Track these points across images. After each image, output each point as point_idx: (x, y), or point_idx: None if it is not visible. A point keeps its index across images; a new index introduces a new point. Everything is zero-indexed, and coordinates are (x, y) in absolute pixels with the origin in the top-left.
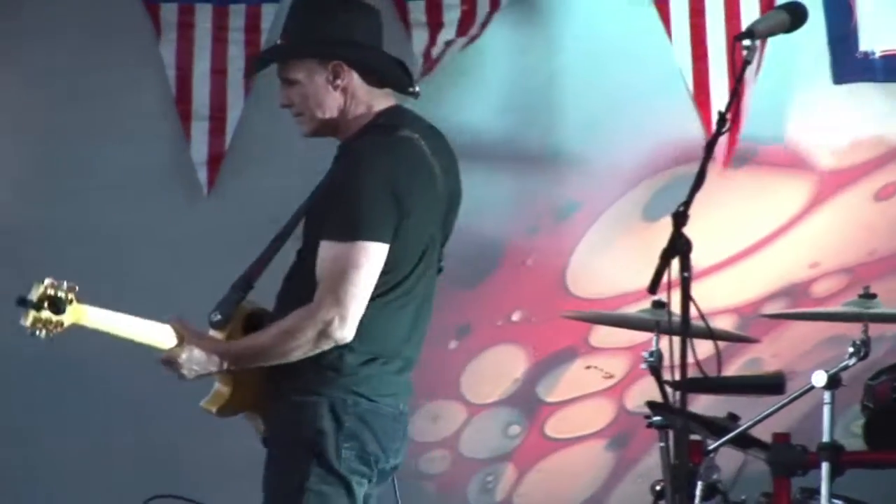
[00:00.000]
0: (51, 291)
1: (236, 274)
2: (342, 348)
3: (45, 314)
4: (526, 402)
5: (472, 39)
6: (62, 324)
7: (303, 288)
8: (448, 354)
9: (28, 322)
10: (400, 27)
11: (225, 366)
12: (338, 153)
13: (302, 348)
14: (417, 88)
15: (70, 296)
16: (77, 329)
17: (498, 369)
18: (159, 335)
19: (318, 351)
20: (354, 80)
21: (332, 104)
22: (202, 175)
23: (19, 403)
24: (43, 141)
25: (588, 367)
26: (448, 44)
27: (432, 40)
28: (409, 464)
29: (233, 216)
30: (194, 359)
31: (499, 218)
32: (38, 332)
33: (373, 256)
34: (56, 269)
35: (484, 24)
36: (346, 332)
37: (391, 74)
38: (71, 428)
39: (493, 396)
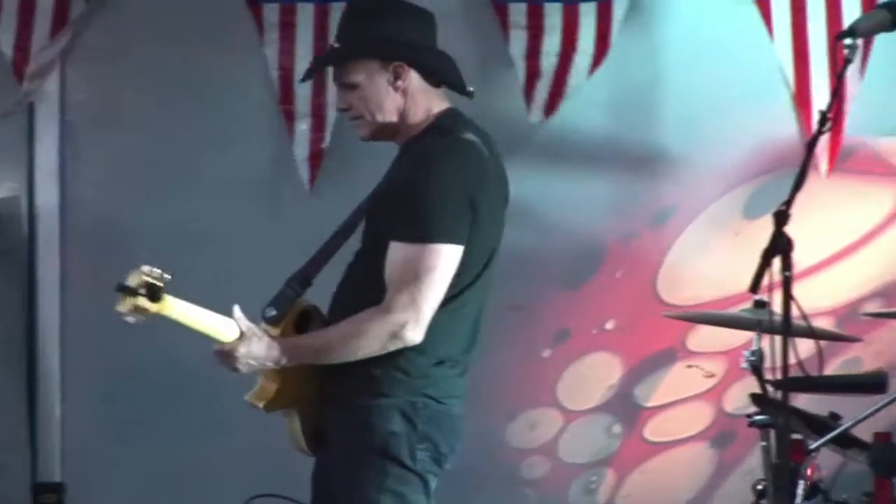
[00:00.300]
0: (148, 279)
1: (337, 271)
2: (412, 350)
3: (142, 301)
4: (623, 408)
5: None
6: (151, 311)
7: (366, 289)
8: (543, 363)
9: (125, 308)
10: (497, 29)
11: (283, 362)
12: (401, 152)
13: (369, 348)
14: (472, 88)
15: (163, 284)
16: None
17: (593, 376)
18: (225, 328)
19: (384, 352)
20: (414, 80)
21: (391, 106)
22: (304, 173)
23: (126, 402)
24: (149, 139)
25: (689, 366)
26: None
27: (532, 45)
28: (509, 470)
29: (333, 214)
30: (253, 353)
31: (599, 219)
32: (132, 319)
33: (448, 259)
34: (165, 266)
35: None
36: (417, 334)
37: (450, 74)
38: (174, 427)
39: (589, 403)
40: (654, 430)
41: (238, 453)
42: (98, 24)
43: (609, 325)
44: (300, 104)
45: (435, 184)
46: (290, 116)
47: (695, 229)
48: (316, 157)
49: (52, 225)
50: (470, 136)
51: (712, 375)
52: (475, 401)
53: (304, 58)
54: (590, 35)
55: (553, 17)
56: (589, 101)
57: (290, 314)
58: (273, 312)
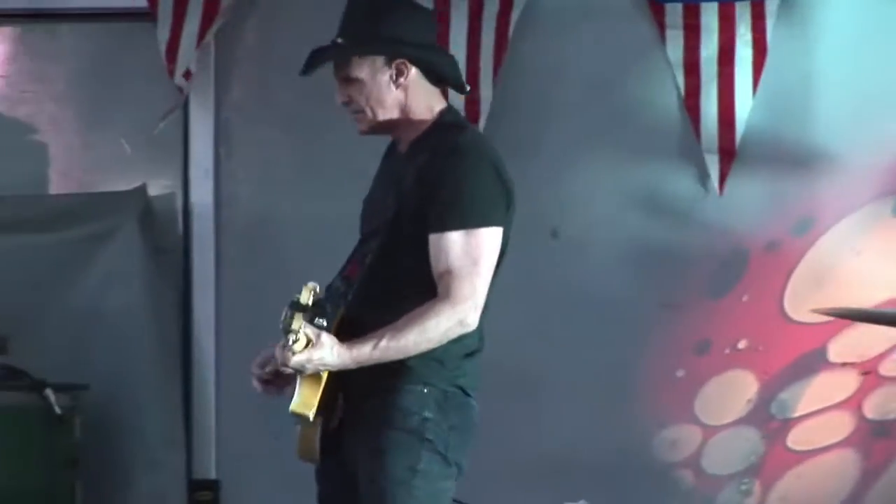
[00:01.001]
0: (314, 296)
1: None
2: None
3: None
4: (763, 420)
5: None
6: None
7: (404, 285)
8: (678, 382)
9: (297, 325)
10: (652, 29)
11: (350, 365)
12: (411, 151)
13: (438, 340)
14: (468, 87)
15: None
16: None
17: (730, 392)
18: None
19: (447, 341)
20: (415, 78)
21: (392, 102)
22: None
23: (280, 399)
24: (302, 136)
25: (844, 364)
26: None
27: (690, 43)
28: (653, 484)
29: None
30: (325, 359)
31: (748, 219)
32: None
33: (495, 242)
34: (319, 267)
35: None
36: (476, 319)
37: (451, 74)
38: None
39: (728, 418)
40: (797, 439)
41: None
42: (251, 22)
43: (742, 344)
44: (454, 98)
45: (471, 172)
46: None
47: (841, 233)
48: None
49: (206, 223)
50: (476, 129)
51: (867, 373)
52: (623, 408)
53: (458, 52)
54: (747, 34)
55: (709, 17)
56: (739, 100)
57: (334, 321)
58: (324, 322)
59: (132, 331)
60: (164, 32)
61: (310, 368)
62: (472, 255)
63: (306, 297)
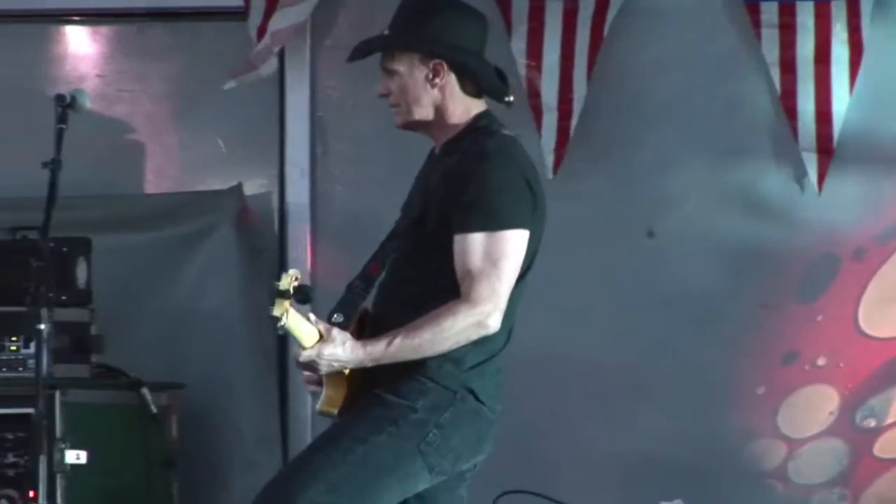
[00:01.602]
0: (298, 282)
1: (583, 262)
2: (471, 342)
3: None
4: (846, 431)
5: None
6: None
7: (429, 285)
8: (758, 399)
9: (280, 312)
10: (747, 28)
11: (366, 363)
12: (443, 152)
13: (455, 341)
14: (511, 98)
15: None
16: None
17: (811, 405)
18: (309, 333)
19: (467, 343)
20: (452, 82)
21: (427, 101)
22: (549, 160)
23: None
24: (399, 136)
25: None
26: None
27: (785, 42)
28: (746, 488)
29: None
30: (337, 355)
31: (845, 220)
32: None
33: (520, 244)
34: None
35: None
36: (497, 321)
37: (489, 82)
38: None
39: (811, 430)
40: (883, 447)
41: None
42: (346, 19)
43: (823, 359)
44: (547, 96)
45: (495, 174)
46: (537, 109)
47: None
48: (561, 147)
49: (302, 222)
50: (510, 133)
51: None
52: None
53: (552, 51)
54: (843, 33)
55: (805, 16)
56: (836, 95)
57: (353, 318)
58: (341, 318)
59: (228, 330)
60: (257, 16)
61: (322, 364)
62: (494, 256)
63: (286, 284)
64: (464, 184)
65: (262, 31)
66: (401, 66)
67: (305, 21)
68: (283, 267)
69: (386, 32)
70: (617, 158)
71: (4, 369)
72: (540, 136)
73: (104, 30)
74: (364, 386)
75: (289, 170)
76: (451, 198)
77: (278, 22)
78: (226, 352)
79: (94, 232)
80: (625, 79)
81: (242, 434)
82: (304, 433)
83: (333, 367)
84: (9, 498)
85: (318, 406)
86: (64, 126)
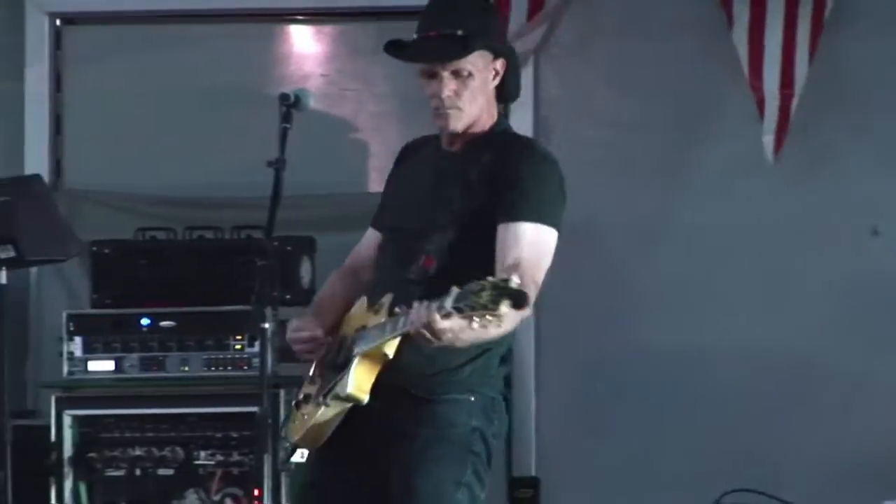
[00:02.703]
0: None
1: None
2: (491, 346)
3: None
4: None
5: None
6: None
7: (475, 272)
8: None
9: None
10: None
11: (458, 343)
12: (469, 149)
13: (507, 327)
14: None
15: None
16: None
17: None
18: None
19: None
20: (497, 83)
21: (483, 101)
22: (769, 145)
23: (598, 397)
24: (620, 133)
25: None
26: None
27: None
28: None
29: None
30: (454, 329)
31: None
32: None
33: (554, 243)
34: (639, 264)
35: None
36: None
37: (517, 84)
38: (645, 421)
39: None
40: None
41: (708, 447)
42: (568, 19)
43: None
44: (769, 85)
45: (549, 173)
46: (759, 100)
47: None
48: (781, 130)
49: None
50: None
51: None
52: None
53: (773, 45)
54: None
55: None
56: None
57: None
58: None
59: None
60: None
61: (445, 340)
62: (540, 250)
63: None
64: (516, 176)
65: None
66: (474, 67)
67: (531, 50)
68: None
69: (459, 32)
70: (837, 156)
71: (229, 368)
72: (762, 119)
73: (328, 29)
74: (391, 379)
75: None
76: (499, 190)
77: None
78: None
79: (319, 231)
80: (846, 76)
81: None
82: (528, 431)
83: (446, 341)
84: (234, 496)
85: (348, 390)
86: (288, 125)
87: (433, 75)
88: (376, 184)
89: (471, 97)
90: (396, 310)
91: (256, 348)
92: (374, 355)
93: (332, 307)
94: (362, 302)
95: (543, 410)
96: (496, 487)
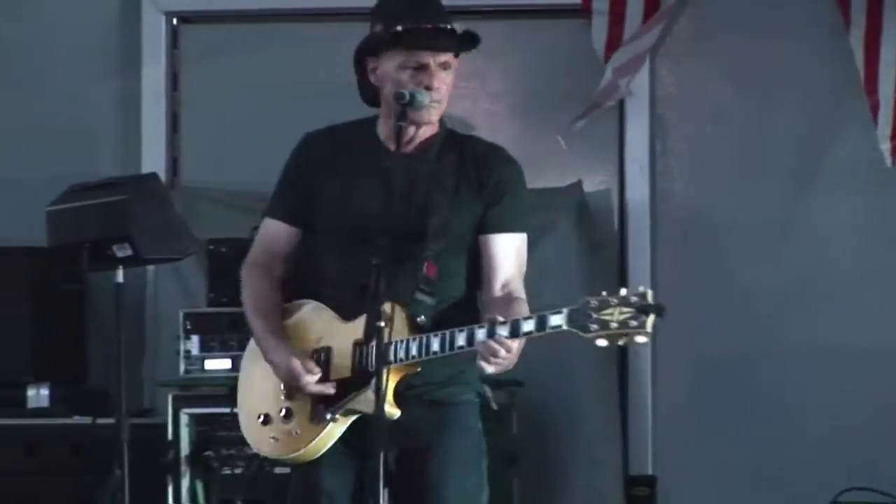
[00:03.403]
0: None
1: None
2: None
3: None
4: None
5: None
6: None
7: (463, 283)
8: None
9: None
10: None
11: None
12: (428, 151)
13: None
14: None
15: None
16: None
17: None
18: None
19: None
20: None
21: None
22: (885, 149)
23: (714, 394)
24: (737, 132)
25: None
26: None
27: None
28: None
29: None
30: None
31: None
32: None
33: None
34: (753, 264)
35: None
36: None
37: None
38: (762, 418)
39: None
40: None
41: (826, 444)
42: (685, 17)
43: None
44: (884, 87)
45: (525, 183)
46: (874, 105)
47: None
48: None
49: (642, 219)
50: None
51: None
52: None
53: (889, 52)
54: None
55: None
56: None
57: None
58: (424, 320)
59: None
60: (600, 31)
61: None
62: (524, 258)
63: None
64: (506, 187)
65: (610, 48)
66: (454, 63)
67: (647, 50)
68: (623, 263)
69: (450, 27)
70: None
71: None
72: (875, 126)
73: None
74: (403, 387)
75: (629, 166)
76: (491, 200)
77: (621, 57)
78: (565, 349)
79: None
80: None
81: (583, 431)
82: (645, 430)
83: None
84: None
85: (387, 410)
86: (403, 123)
87: (422, 67)
88: None
89: (447, 92)
90: (419, 321)
91: None
92: (400, 369)
93: (275, 310)
94: (318, 307)
95: (659, 409)
96: (613, 486)
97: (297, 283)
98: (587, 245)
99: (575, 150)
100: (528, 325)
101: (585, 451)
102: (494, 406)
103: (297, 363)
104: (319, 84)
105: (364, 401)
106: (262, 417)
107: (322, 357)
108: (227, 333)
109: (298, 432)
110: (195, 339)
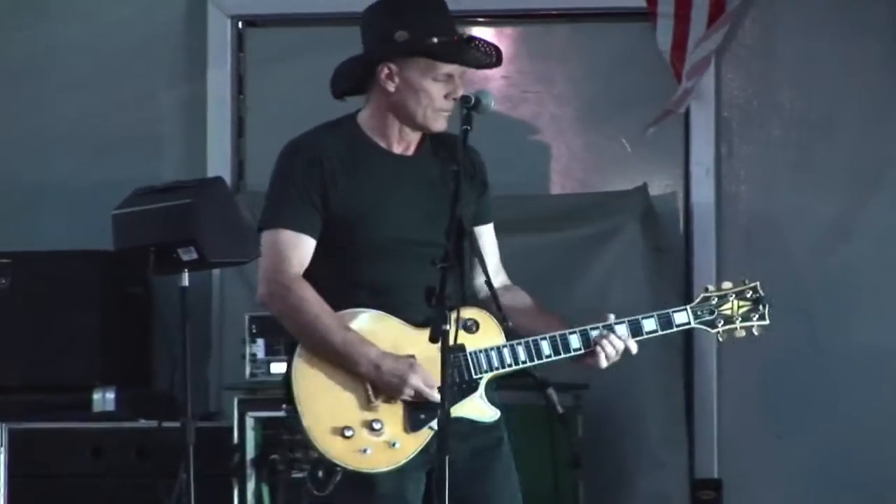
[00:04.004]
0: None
1: None
2: None
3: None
4: None
5: None
6: None
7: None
8: None
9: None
10: None
11: None
12: (426, 151)
13: None
14: None
15: None
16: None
17: None
18: None
19: None
20: None
21: None
22: None
23: (780, 396)
24: (804, 135)
25: None
26: None
27: None
28: None
29: None
30: None
31: None
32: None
33: None
34: (821, 267)
35: None
36: None
37: None
38: (830, 420)
39: None
40: None
41: (892, 446)
42: (751, 20)
43: None
44: None
45: None
46: None
47: None
48: None
49: (707, 222)
50: None
51: None
52: None
53: None
54: None
55: None
56: None
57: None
58: (511, 324)
59: None
60: (665, 34)
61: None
62: None
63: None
64: (486, 182)
65: (676, 70)
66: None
67: (712, 52)
68: (688, 267)
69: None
70: None
71: None
72: None
73: (509, 30)
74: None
75: (694, 169)
76: (479, 196)
77: (691, 61)
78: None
79: (501, 233)
80: None
81: (649, 434)
82: (710, 433)
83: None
84: None
85: (491, 416)
86: (469, 127)
87: (450, 77)
88: (557, 185)
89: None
90: (509, 325)
91: None
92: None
93: (342, 322)
94: (378, 315)
95: (725, 412)
96: (679, 489)
97: (325, 294)
98: (653, 248)
99: (640, 154)
100: (650, 324)
101: (651, 454)
102: (560, 409)
103: (415, 366)
104: None
105: (470, 407)
106: (344, 430)
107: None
108: (292, 337)
109: (398, 444)
110: (260, 342)
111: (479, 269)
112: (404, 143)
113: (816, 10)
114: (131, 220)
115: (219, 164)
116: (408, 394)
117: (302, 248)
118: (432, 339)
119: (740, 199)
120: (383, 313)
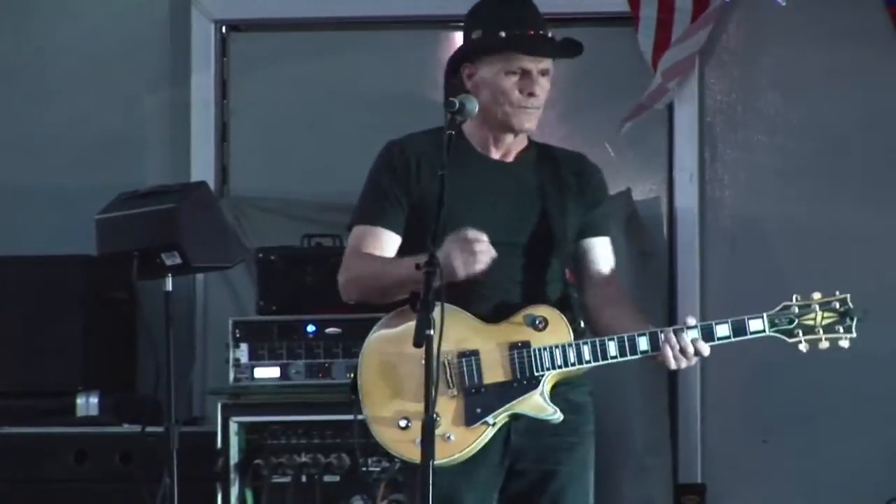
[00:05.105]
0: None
1: None
2: None
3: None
4: None
5: None
6: None
7: (563, 286)
8: None
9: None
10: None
11: None
12: (526, 159)
13: None
14: None
15: None
16: None
17: None
18: None
19: None
20: None
21: None
22: None
23: (762, 402)
24: (787, 140)
25: None
26: None
27: None
28: None
29: None
30: None
31: None
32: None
33: None
34: (803, 273)
35: None
36: None
37: None
38: (811, 425)
39: None
40: None
41: (876, 453)
42: (735, 24)
43: None
44: None
45: None
46: None
47: None
48: None
49: (691, 227)
50: None
51: None
52: None
53: None
54: None
55: None
56: None
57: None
58: (583, 325)
59: None
60: (647, 37)
61: None
62: None
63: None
64: (601, 195)
65: (654, 65)
66: (553, 71)
67: (696, 51)
68: (672, 272)
69: (550, 34)
70: None
71: None
72: None
73: None
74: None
75: (678, 174)
76: (589, 207)
77: (670, 58)
78: None
79: None
80: None
81: (633, 440)
82: (694, 438)
83: None
84: (399, 503)
85: (553, 413)
86: (453, 132)
87: (524, 73)
88: None
89: (545, 99)
90: (580, 325)
91: None
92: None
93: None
94: (452, 310)
95: (709, 416)
96: (663, 494)
97: None
98: (637, 253)
99: (624, 158)
100: (723, 330)
101: (635, 459)
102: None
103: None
104: (369, 92)
105: (530, 404)
106: (401, 421)
107: (472, 360)
108: (276, 342)
109: (452, 437)
110: (244, 347)
111: (585, 280)
112: (503, 148)
113: (800, 16)
114: (115, 225)
115: (202, 168)
116: (465, 248)
117: (376, 239)
118: (416, 345)
119: (724, 204)
120: (454, 307)
